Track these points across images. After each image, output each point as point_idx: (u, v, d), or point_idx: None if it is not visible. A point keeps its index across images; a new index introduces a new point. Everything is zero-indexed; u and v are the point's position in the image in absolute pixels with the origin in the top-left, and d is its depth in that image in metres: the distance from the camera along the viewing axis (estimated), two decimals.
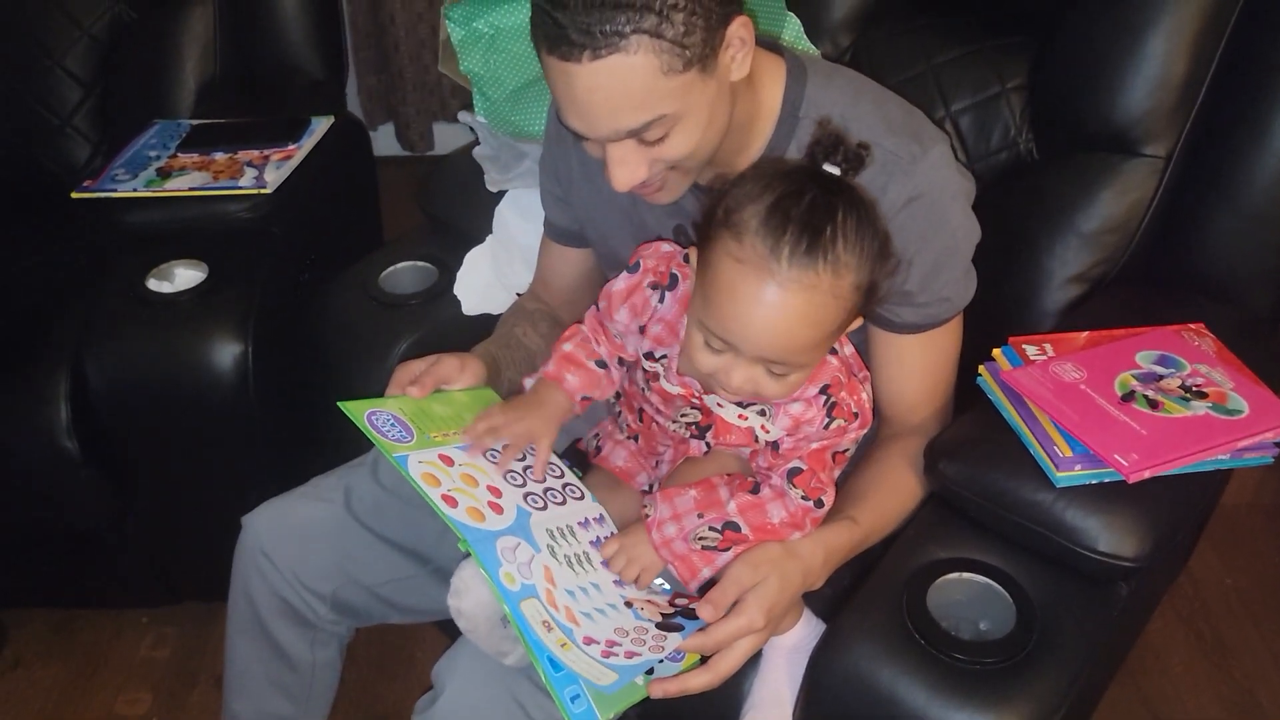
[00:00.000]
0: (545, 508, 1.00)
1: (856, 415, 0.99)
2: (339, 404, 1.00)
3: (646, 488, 1.11)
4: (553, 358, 1.07)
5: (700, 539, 0.97)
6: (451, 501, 0.93)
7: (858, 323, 0.95)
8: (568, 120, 0.92)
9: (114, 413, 1.45)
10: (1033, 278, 1.32)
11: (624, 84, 0.86)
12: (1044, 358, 1.09)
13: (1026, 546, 1.03)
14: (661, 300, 1.03)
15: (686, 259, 0.99)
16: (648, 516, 0.99)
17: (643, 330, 1.04)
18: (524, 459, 1.03)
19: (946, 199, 1.03)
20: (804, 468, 0.98)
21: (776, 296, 0.86)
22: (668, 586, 1.00)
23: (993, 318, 1.17)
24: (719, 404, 1.01)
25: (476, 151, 1.49)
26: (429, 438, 1.00)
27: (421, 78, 2.68)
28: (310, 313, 1.48)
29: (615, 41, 0.84)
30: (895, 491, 1.08)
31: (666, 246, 1.06)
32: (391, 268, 1.50)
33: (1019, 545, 1.04)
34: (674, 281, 1.02)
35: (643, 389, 1.07)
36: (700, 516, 0.97)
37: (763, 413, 0.99)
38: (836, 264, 0.86)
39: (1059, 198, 1.31)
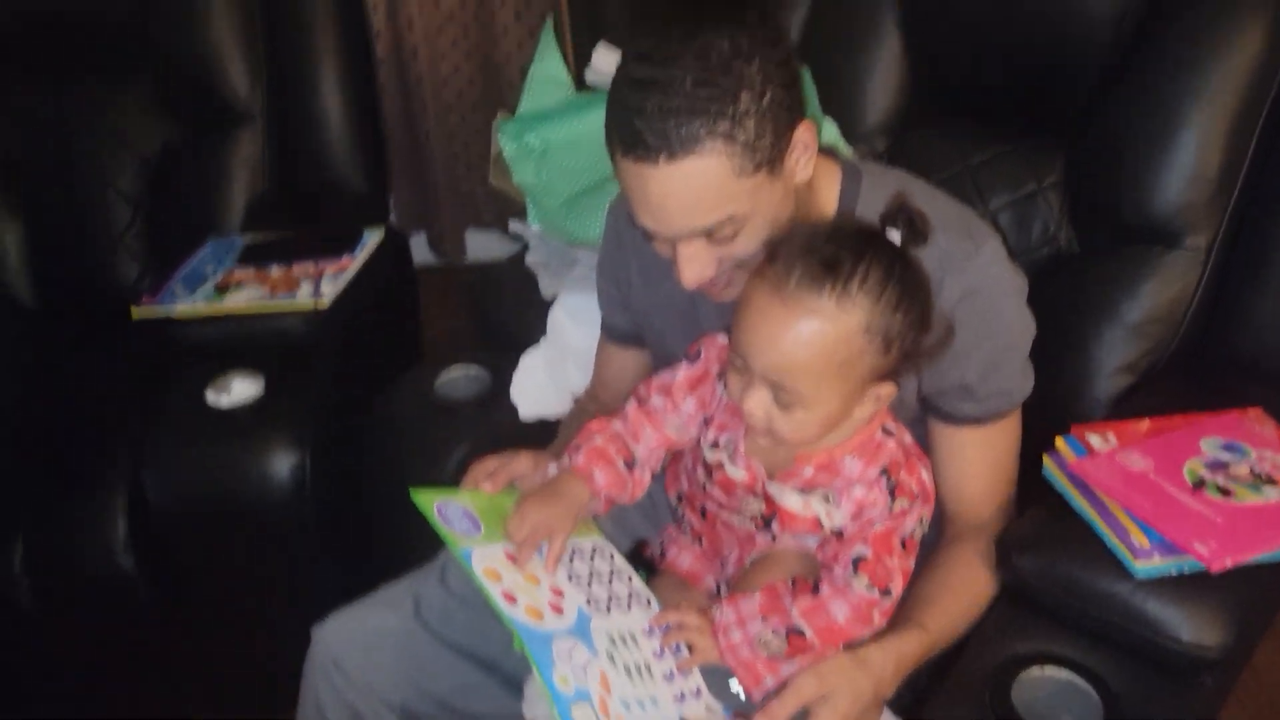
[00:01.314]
0: (609, 612, 0.99)
1: (918, 494, 0.99)
2: (410, 490, 1.01)
3: (715, 589, 1.11)
4: (582, 448, 1.05)
5: (764, 644, 0.96)
6: (511, 599, 0.93)
7: (890, 391, 0.95)
8: (640, 219, 0.96)
9: (172, 527, 1.46)
10: (1083, 368, 1.34)
11: (698, 185, 0.91)
12: (1109, 447, 1.10)
13: (1105, 638, 1.02)
14: (726, 388, 1.04)
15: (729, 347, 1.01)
16: (714, 621, 0.99)
17: (707, 422, 1.05)
18: (591, 556, 1.03)
19: (1000, 295, 1.05)
20: (869, 554, 0.98)
21: (779, 311, 0.89)
22: (726, 707, 0.98)
23: (1047, 408, 1.18)
24: (782, 492, 1.01)
25: (529, 259, 1.53)
26: (497, 534, 1.01)
27: (454, 188, 2.73)
28: (367, 420, 1.49)
29: (691, 145, 0.89)
30: (964, 593, 1.08)
31: (723, 338, 1.08)
32: (446, 374, 1.52)
33: (1097, 637, 1.03)
34: None
35: (703, 485, 1.07)
36: (764, 620, 0.97)
37: (826, 499, 1.00)
38: (843, 297, 0.88)
39: (1103, 291, 1.34)
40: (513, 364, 1.50)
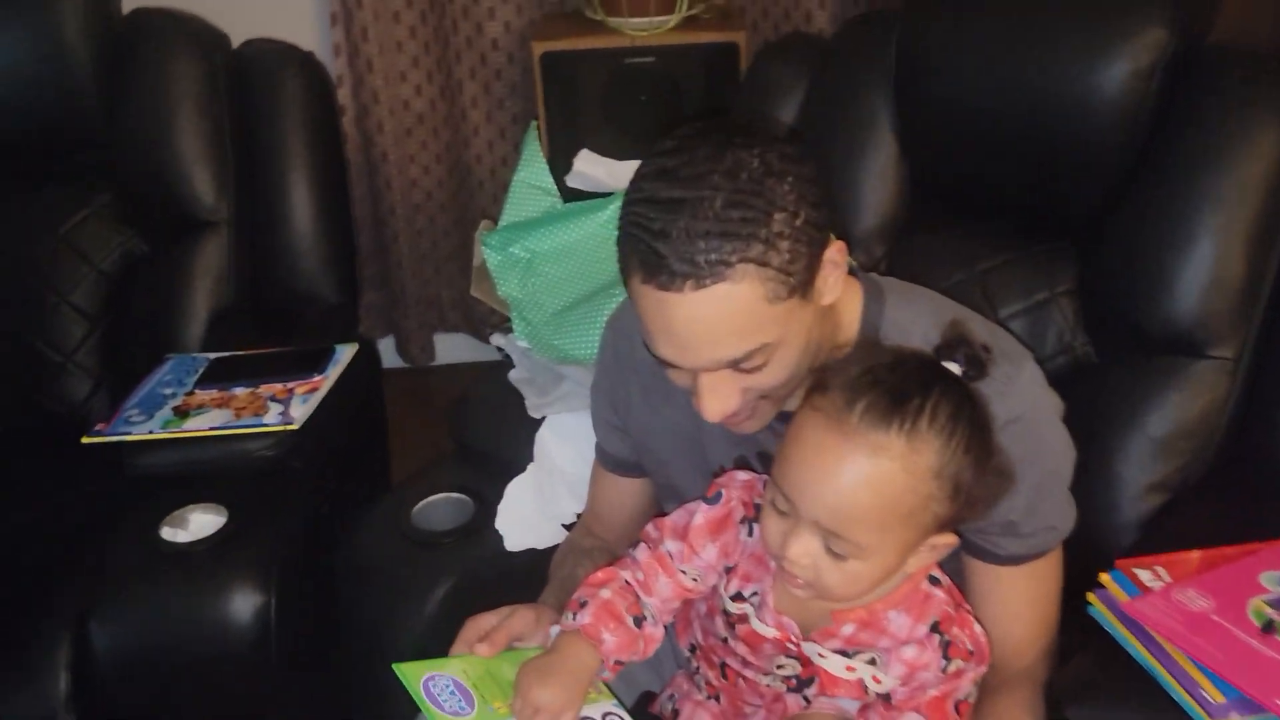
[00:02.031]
0: None
1: (973, 653, 0.89)
2: (394, 667, 0.89)
3: None
4: (589, 605, 0.93)
5: None
6: None
7: (950, 541, 0.86)
8: (660, 349, 0.87)
9: (121, 680, 1.31)
10: (1110, 487, 1.25)
11: (728, 313, 0.83)
12: (1161, 584, 1.01)
13: None
14: (750, 533, 0.94)
15: (767, 486, 0.91)
16: None
17: (729, 571, 0.95)
18: None
19: (1044, 419, 0.98)
20: None
21: (841, 449, 0.80)
22: None
23: (1075, 533, 1.09)
24: (820, 654, 0.91)
25: (512, 375, 1.44)
26: (491, 709, 0.89)
27: (421, 292, 2.66)
28: (338, 555, 1.37)
29: (720, 271, 0.81)
30: None
31: (744, 475, 0.99)
32: (424, 501, 1.41)
33: None
34: (760, 514, 0.95)
35: (723, 638, 0.97)
36: None
37: (873, 661, 0.89)
38: (914, 436, 0.80)
39: (1126, 402, 1.26)
40: (495, 487, 1.39)
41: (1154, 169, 1.27)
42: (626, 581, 0.95)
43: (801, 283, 0.85)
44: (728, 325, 0.83)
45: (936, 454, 0.81)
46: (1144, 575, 1.03)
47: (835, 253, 0.89)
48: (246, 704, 1.35)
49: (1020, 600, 1.01)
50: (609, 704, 0.96)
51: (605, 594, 0.94)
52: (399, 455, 1.97)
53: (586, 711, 0.93)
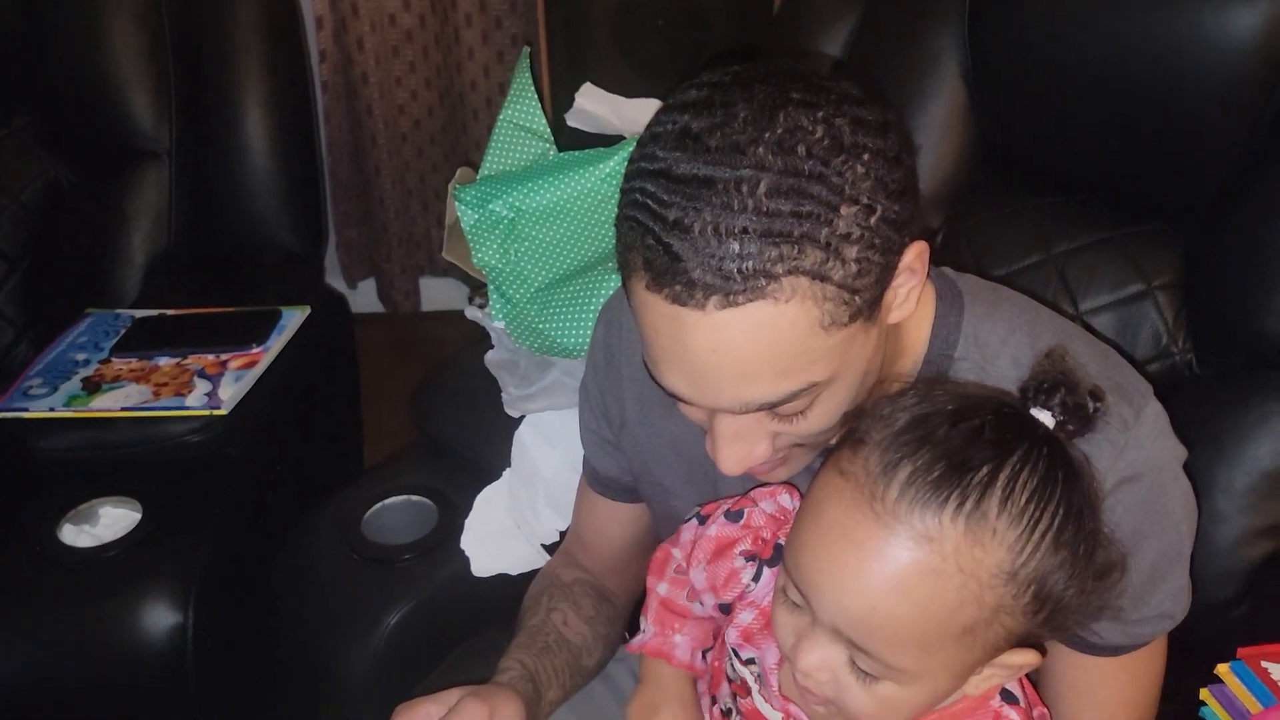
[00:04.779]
0: None
1: None
2: None
3: None
4: (649, 610, 0.82)
5: None
6: None
7: (1030, 661, 0.63)
8: (666, 379, 0.64)
9: (11, 712, 1.10)
10: (1207, 530, 1.02)
11: (766, 343, 0.60)
12: None
13: None
14: (757, 577, 0.73)
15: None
16: None
17: (728, 611, 0.73)
18: None
19: (1169, 480, 0.74)
20: None
21: (871, 536, 0.57)
22: None
23: None
24: None
25: (489, 357, 1.20)
26: None
27: (408, 230, 2.46)
28: (276, 568, 1.15)
29: (761, 285, 0.58)
30: None
31: (787, 499, 0.76)
32: (379, 505, 1.18)
33: None
34: (778, 555, 0.72)
35: (726, 709, 0.75)
36: None
37: None
38: (978, 522, 0.56)
39: (1235, 425, 1.04)
40: (464, 490, 1.17)
41: None
42: (678, 562, 0.81)
43: (868, 302, 0.61)
44: (765, 359, 0.60)
45: (1010, 550, 0.57)
46: (1275, 670, 0.81)
47: (914, 258, 0.65)
48: None
49: (1114, 700, 0.79)
50: None
51: (662, 589, 0.82)
52: (379, 417, 1.73)
53: None
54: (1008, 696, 0.68)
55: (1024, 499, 0.57)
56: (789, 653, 0.63)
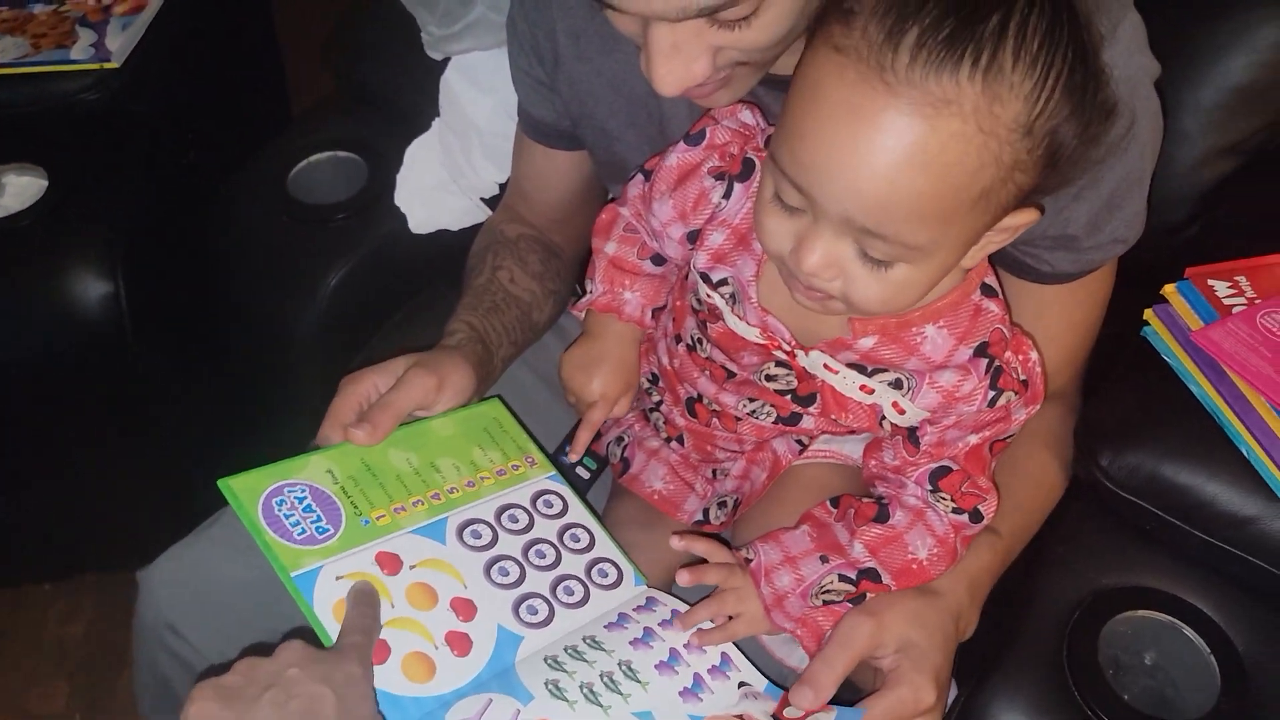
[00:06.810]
0: (550, 620, 0.67)
1: (1026, 384, 0.67)
2: (220, 484, 0.65)
3: (700, 516, 0.81)
4: (596, 271, 0.80)
5: (825, 593, 0.69)
6: (381, 651, 0.61)
7: (1030, 219, 0.61)
8: None
9: None
10: (1169, 151, 0.97)
11: None
12: (1243, 302, 0.79)
13: (1224, 574, 0.77)
14: (728, 195, 0.70)
15: (769, 142, 0.63)
16: (749, 561, 0.70)
17: (696, 240, 0.71)
18: (528, 522, 0.72)
19: (1140, 100, 0.69)
20: (954, 468, 0.68)
21: (883, 110, 0.53)
22: (752, 683, 0.70)
23: None
24: (829, 365, 0.68)
25: None
26: (366, 522, 0.66)
27: None
28: (209, 225, 1.10)
29: None
30: (1038, 482, 0.80)
31: (748, 115, 0.71)
32: (305, 162, 1.11)
33: (1213, 571, 0.78)
34: (749, 169, 0.69)
35: (695, 341, 0.74)
36: (825, 561, 0.69)
37: (898, 384, 0.67)
38: (997, 77, 0.53)
39: (1209, 36, 0.97)
40: (394, 143, 1.09)
41: None
42: (627, 220, 0.78)
43: None
44: None
45: (1027, 101, 0.53)
46: (1220, 288, 0.81)
47: None
48: (108, 401, 1.13)
49: (1062, 321, 0.78)
50: (543, 478, 0.75)
51: (610, 249, 0.79)
52: (302, 65, 1.56)
53: (515, 493, 0.73)
54: (987, 290, 0.67)
55: (1035, 45, 0.53)
56: (789, 258, 0.60)
